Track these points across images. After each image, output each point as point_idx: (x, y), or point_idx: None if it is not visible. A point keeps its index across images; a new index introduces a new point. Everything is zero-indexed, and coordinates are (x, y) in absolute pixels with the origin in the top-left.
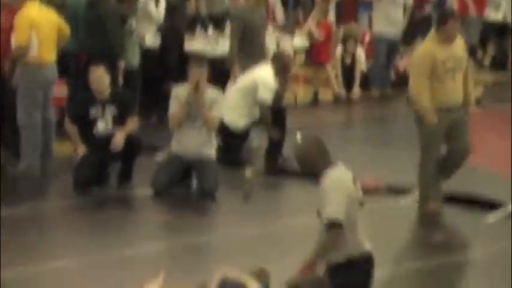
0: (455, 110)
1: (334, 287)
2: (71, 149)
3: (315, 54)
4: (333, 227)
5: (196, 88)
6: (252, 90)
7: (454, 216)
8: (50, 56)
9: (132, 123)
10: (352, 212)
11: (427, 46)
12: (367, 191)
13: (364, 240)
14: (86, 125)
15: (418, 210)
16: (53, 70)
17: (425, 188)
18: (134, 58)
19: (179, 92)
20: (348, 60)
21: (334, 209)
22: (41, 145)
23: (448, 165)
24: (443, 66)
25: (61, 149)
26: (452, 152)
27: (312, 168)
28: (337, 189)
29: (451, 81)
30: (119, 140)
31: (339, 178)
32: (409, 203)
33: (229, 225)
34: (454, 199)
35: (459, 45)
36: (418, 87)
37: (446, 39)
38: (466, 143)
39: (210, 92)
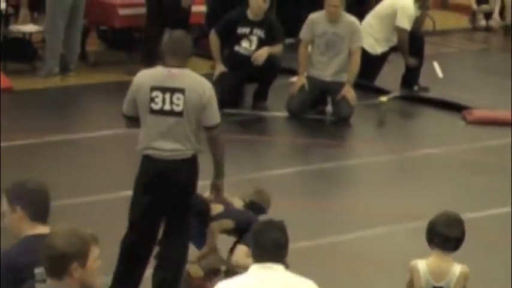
0: None
1: None
2: (209, 65)
3: None
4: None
5: (332, 18)
6: (390, 15)
7: None
8: None
9: (278, 47)
10: (147, 115)
11: None
12: (497, 124)
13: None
14: (230, 42)
15: None
16: None
17: None
18: None
19: (314, 20)
20: None
21: (125, 105)
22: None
23: None
24: None
25: (198, 65)
26: None
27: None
28: (131, 88)
29: None
30: (261, 54)
31: (136, 78)
32: None
33: (362, 152)
34: None
35: None
36: None
37: None
38: None
39: (347, 21)
